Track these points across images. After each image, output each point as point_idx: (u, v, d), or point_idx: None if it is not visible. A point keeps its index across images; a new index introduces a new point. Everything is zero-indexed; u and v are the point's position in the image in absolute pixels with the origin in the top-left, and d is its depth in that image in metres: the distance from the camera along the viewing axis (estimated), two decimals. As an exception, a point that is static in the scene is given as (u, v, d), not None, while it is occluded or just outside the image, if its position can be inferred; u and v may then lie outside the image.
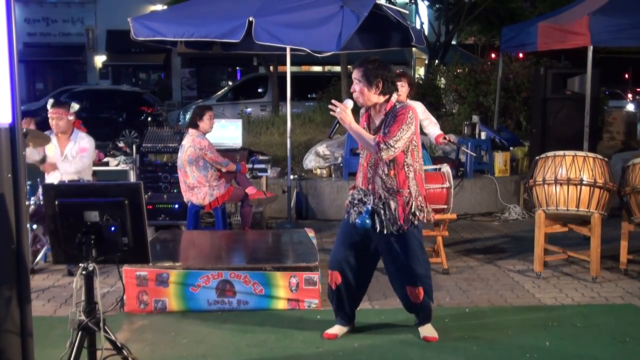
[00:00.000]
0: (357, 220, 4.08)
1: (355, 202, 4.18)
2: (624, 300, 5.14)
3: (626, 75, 38.84)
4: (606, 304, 5.08)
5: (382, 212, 4.03)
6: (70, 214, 3.11)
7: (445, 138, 6.66)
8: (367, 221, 4.01)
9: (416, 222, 4.08)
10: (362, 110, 4.25)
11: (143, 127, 13.41)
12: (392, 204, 4.03)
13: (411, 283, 4.17)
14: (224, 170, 6.45)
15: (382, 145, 3.89)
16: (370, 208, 4.04)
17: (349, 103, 4.04)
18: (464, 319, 4.74)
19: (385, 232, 4.04)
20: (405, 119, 3.94)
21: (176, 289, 4.85)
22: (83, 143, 6.16)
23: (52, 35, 29.01)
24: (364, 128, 4.12)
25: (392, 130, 3.92)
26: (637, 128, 12.93)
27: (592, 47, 7.21)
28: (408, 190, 4.04)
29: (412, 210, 4.04)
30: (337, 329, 4.40)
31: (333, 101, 4.06)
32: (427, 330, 4.32)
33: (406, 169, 4.04)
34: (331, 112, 4.00)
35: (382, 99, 4.04)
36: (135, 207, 3.11)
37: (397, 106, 4.03)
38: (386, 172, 4.04)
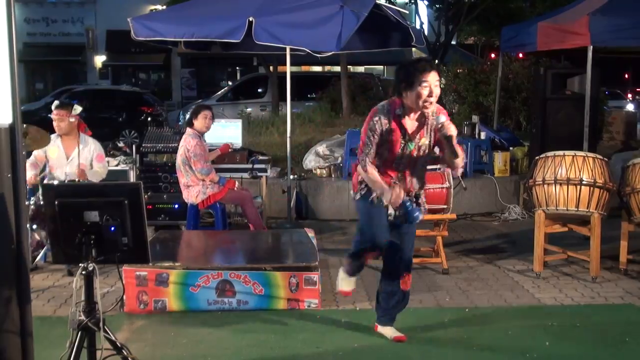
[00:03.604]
0: (405, 211, 3.94)
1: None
2: (624, 300, 5.14)
3: (626, 75, 38.84)
4: (606, 304, 5.08)
5: (419, 203, 4.16)
6: (70, 214, 3.11)
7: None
8: (418, 213, 3.98)
9: None
10: (385, 115, 3.92)
11: (143, 127, 13.41)
12: (423, 196, 4.22)
13: (408, 269, 4.29)
14: (206, 179, 6.35)
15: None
16: (409, 200, 4.03)
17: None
18: (464, 319, 4.74)
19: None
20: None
21: (176, 289, 4.85)
22: (97, 150, 6.25)
23: (52, 35, 29.00)
24: (396, 131, 3.92)
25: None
26: (637, 128, 12.94)
27: (591, 47, 7.21)
28: None
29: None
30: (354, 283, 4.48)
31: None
32: (394, 331, 4.38)
33: None
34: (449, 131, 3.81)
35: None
36: (135, 207, 3.11)
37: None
38: (426, 166, 4.16)
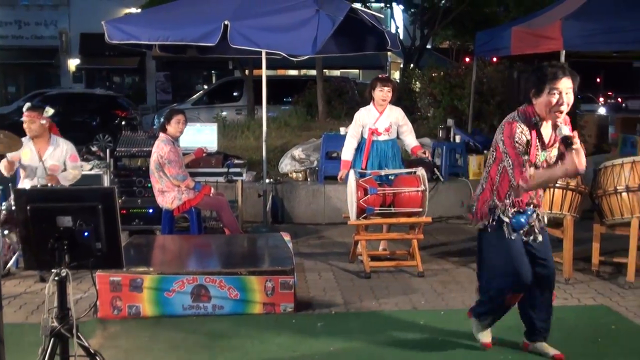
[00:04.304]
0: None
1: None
2: (596, 302, 5.20)
3: (598, 80, 39.37)
4: (578, 305, 5.13)
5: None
6: (43, 219, 3.06)
7: (424, 153, 6.62)
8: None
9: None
10: (526, 125, 3.69)
11: (117, 131, 13.29)
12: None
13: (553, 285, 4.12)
14: (182, 186, 6.30)
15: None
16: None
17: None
18: (439, 321, 4.76)
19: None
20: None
21: (150, 294, 4.81)
22: (70, 150, 6.17)
23: (24, 38, 28.65)
24: (534, 141, 3.70)
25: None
26: (609, 131, 13.10)
27: (564, 51, 7.30)
28: None
29: None
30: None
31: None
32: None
33: None
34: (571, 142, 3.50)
35: None
36: (109, 212, 3.08)
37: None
38: None
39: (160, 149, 6.23)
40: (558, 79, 3.53)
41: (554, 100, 3.54)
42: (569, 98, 3.56)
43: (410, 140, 6.49)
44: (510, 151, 3.66)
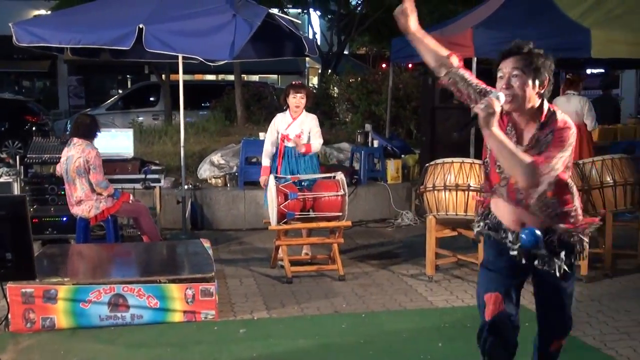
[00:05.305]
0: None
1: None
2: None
3: (508, 86, 40.59)
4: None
5: None
6: (-52, 229, 2.93)
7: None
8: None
9: None
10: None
11: (27, 137, 12.79)
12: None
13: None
14: (104, 193, 6.10)
15: (540, 169, 2.81)
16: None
17: (502, 97, 2.84)
18: (361, 324, 4.82)
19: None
20: (569, 138, 2.89)
21: (65, 305, 4.65)
22: None
23: None
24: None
25: (551, 151, 2.86)
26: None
27: (475, 58, 7.54)
28: None
29: None
30: None
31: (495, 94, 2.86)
32: None
33: None
34: (475, 106, 2.87)
35: (538, 102, 2.97)
36: (19, 221, 2.97)
37: (558, 116, 2.95)
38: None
39: (87, 153, 5.98)
40: (504, 58, 2.96)
41: (499, 84, 2.95)
42: (518, 82, 2.89)
43: (313, 142, 6.40)
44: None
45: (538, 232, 2.96)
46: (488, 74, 3.25)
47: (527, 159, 2.80)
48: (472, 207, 5.65)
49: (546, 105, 2.97)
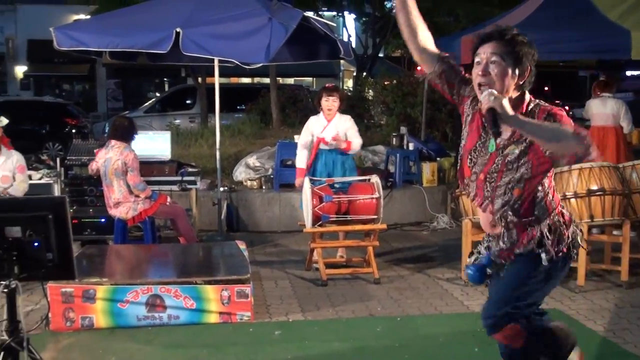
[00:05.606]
0: None
1: None
2: (549, 305, 5.28)
3: (546, 88, 40.36)
4: (531, 308, 5.22)
5: None
6: (-9, 230, 2.99)
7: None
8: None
9: None
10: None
11: (67, 139, 13.03)
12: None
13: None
14: (142, 195, 6.19)
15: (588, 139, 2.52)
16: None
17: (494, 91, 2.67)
18: (396, 327, 4.80)
19: None
20: (569, 120, 2.69)
21: (104, 305, 4.71)
22: (20, 160, 6.07)
23: (-31, 44, 27.91)
24: (475, 131, 2.89)
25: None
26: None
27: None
28: None
29: None
30: None
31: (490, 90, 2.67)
32: None
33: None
34: (484, 98, 2.65)
35: (516, 93, 2.79)
36: (60, 222, 3.01)
37: (541, 105, 2.78)
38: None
39: (124, 155, 6.07)
40: (483, 43, 2.80)
41: (475, 70, 2.77)
42: (496, 69, 2.71)
43: (353, 141, 6.40)
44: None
45: (487, 269, 3.04)
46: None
47: (568, 126, 2.55)
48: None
49: (527, 96, 2.80)
